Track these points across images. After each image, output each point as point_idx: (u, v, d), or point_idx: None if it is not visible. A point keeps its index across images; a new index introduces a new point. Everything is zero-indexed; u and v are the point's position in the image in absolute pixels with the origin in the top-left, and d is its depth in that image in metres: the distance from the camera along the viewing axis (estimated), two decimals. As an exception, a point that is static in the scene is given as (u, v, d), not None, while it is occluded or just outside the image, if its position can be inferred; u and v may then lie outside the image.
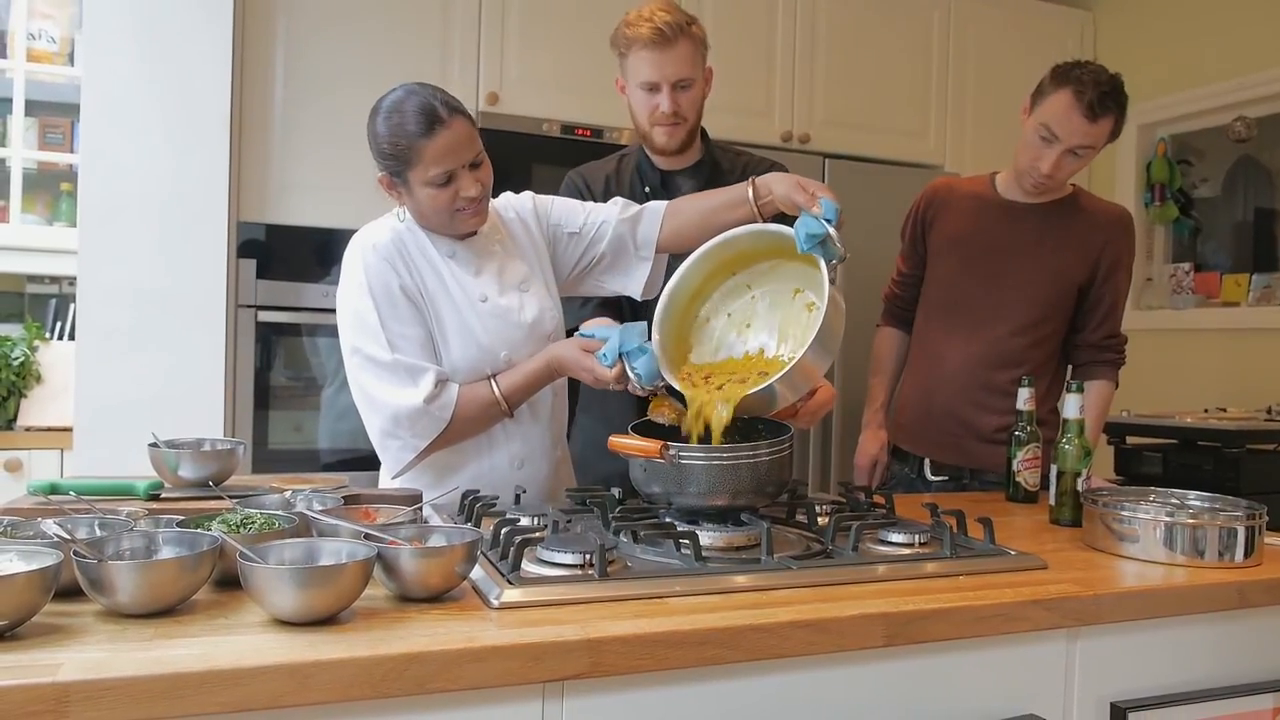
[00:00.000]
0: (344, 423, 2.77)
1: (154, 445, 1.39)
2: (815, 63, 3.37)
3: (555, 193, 1.80)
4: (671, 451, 1.28)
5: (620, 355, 1.40)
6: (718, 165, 1.91)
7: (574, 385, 1.70)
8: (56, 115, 3.06)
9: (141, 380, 2.48)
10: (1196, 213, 3.68)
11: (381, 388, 1.49)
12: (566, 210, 1.70)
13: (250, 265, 2.67)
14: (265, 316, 2.70)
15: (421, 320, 1.53)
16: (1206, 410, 2.99)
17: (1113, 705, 1.21)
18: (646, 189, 1.88)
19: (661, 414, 1.44)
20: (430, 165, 1.43)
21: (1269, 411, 2.92)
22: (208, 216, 2.57)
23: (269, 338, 2.72)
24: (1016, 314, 2.03)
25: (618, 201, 1.69)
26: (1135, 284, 3.73)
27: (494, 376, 1.55)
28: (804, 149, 3.31)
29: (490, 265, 1.59)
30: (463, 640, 0.90)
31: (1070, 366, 2.13)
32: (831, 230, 1.34)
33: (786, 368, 1.29)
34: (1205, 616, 1.26)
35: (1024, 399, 1.80)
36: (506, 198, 1.70)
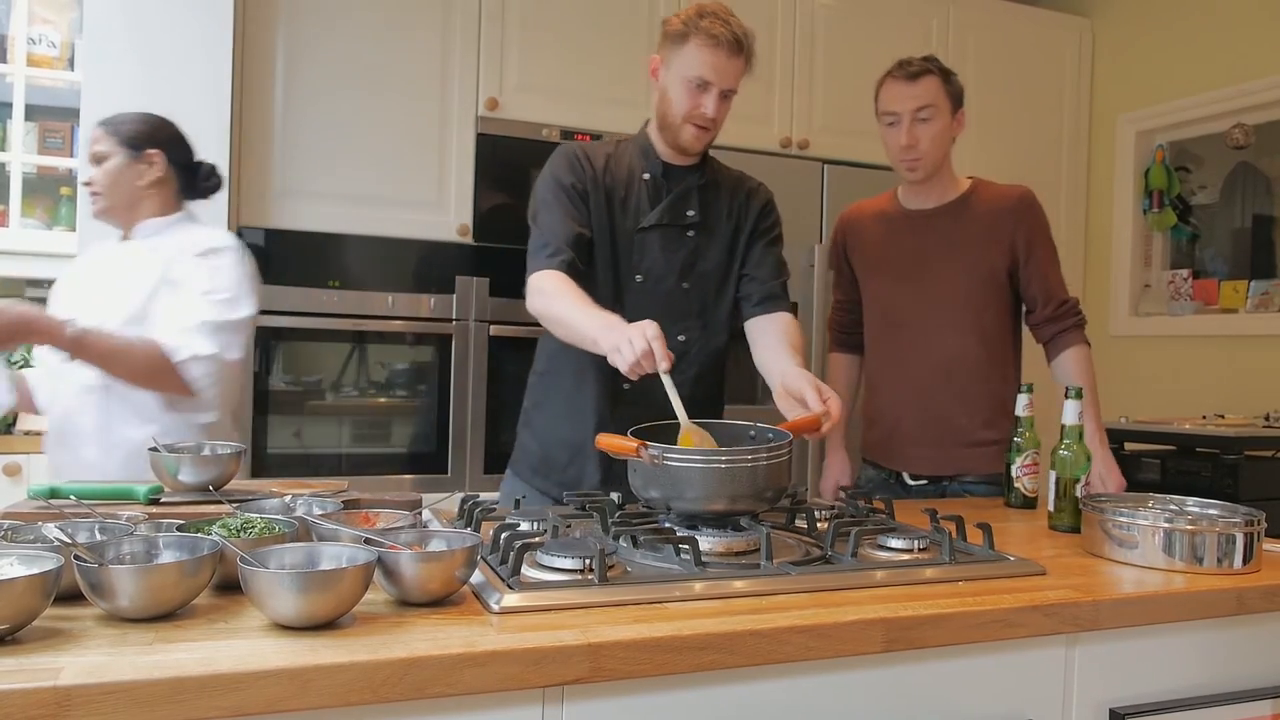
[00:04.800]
0: (344, 427, 2.77)
1: (154, 449, 1.39)
2: (814, 69, 3.38)
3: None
4: (653, 452, 1.27)
5: None
6: (716, 170, 1.92)
7: (545, 384, 1.66)
8: (56, 120, 3.06)
9: (141, 384, 2.48)
10: (1195, 219, 3.68)
11: None
12: None
13: (250, 270, 2.67)
14: (265, 321, 2.69)
15: None
16: (1205, 416, 3.00)
17: (1111, 711, 1.21)
18: (646, 175, 1.86)
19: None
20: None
21: (1267, 418, 2.93)
22: (208, 221, 2.57)
23: (269, 343, 2.72)
24: (953, 316, 2.04)
25: None
26: (1133, 290, 3.74)
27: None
28: (803, 155, 3.32)
29: None
30: (462, 645, 0.90)
31: (1043, 348, 2.11)
32: None
33: None
34: (1204, 623, 1.26)
35: (1022, 405, 1.80)
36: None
